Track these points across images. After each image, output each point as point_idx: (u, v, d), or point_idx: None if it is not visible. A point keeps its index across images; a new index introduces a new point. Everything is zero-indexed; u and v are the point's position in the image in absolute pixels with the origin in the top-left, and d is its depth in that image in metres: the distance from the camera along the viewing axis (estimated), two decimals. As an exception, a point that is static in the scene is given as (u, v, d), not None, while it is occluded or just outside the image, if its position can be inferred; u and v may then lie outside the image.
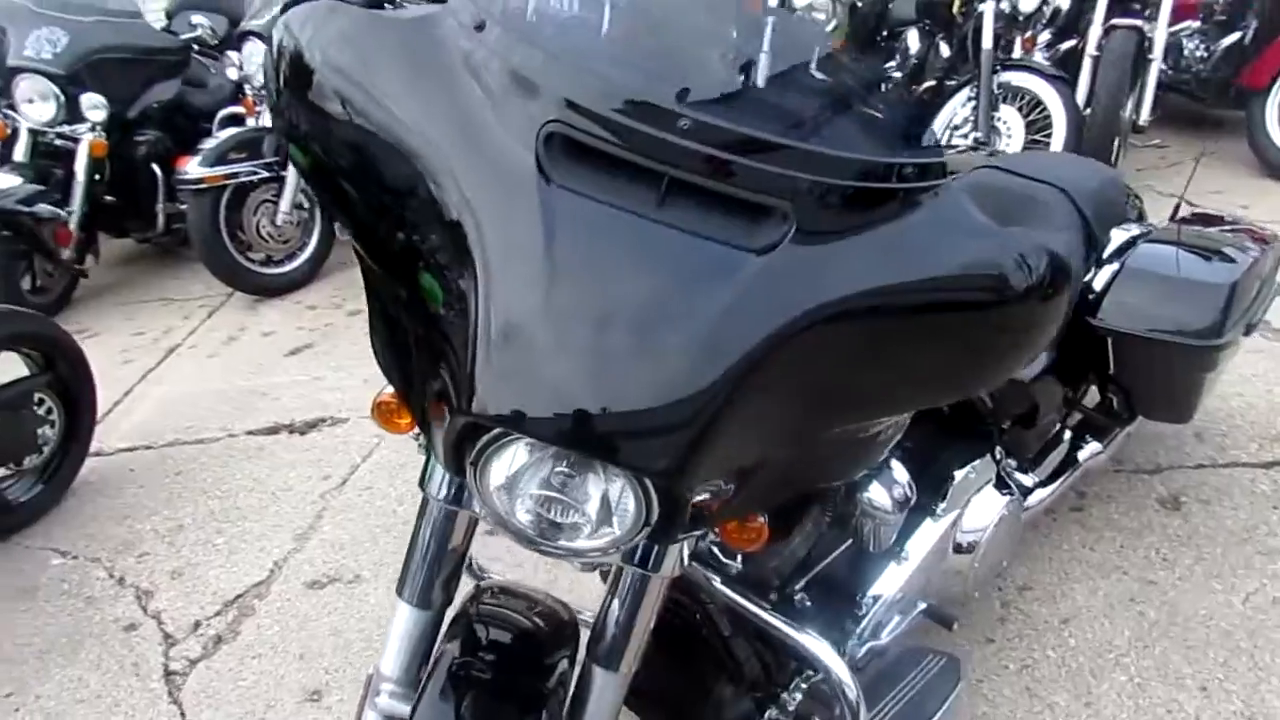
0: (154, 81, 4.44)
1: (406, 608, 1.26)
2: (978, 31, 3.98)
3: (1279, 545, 2.14)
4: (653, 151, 0.95)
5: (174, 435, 3.17)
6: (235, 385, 3.42)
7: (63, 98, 4.02)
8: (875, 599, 1.62)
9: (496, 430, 0.96)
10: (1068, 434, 2.06)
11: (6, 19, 4.08)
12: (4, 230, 3.60)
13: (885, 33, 5.09)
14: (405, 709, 1.17)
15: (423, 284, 1.04)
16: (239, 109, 4.55)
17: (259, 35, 4.21)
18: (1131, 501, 2.32)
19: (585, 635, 1.25)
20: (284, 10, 1.13)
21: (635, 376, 0.91)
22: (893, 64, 4.88)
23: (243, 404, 3.28)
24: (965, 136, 3.96)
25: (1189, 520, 2.24)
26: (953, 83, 4.22)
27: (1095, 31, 4.02)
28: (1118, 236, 1.97)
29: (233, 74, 4.57)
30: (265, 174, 4.16)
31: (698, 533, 1.20)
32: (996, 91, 3.93)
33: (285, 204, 4.22)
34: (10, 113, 4.05)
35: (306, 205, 4.34)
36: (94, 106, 4.04)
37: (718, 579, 1.36)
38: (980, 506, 1.76)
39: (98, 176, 4.17)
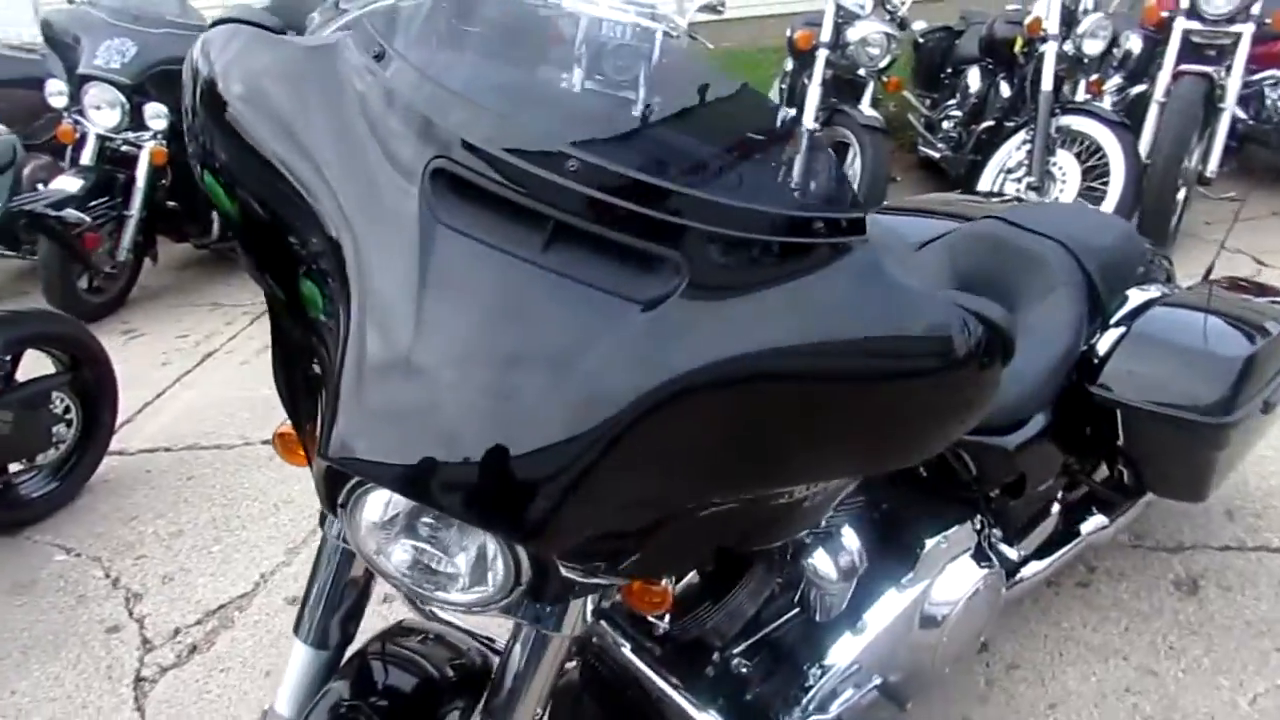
0: None
1: (302, 647, 1.24)
2: (1038, 72, 3.85)
3: (1302, 642, 1.98)
4: (539, 193, 0.89)
5: (193, 440, 3.22)
6: (260, 394, 3.46)
7: (128, 106, 4.17)
8: (825, 669, 1.53)
9: None
10: (1060, 506, 1.92)
11: (82, 28, 4.26)
12: (37, 233, 3.74)
13: (949, 70, 4.97)
14: None
15: (307, 316, 1.02)
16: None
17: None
18: (1145, 581, 2.17)
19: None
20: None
21: (493, 431, 0.85)
22: (953, 102, 4.76)
23: (265, 412, 3.32)
24: (1018, 181, 3.82)
25: (1205, 607, 2.08)
26: (1011, 124, 4.09)
27: (1164, 78, 3.85)
28: (1135, 298, 1.85)
29: None
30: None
31: (593, 593, 1.14)
32: (1054, 135, 3.78)
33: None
34: (79, 118, 4.21)
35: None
36: (156, 116, 4.17)
37: (627, 645, 1.29)
38: (953, 578, 1.65)
39: (162, 182, 4.31)
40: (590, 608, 1.17)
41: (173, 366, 3.83)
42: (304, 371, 1.06)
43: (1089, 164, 3.77)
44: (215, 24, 1.12)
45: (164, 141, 4.23)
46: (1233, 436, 1.71)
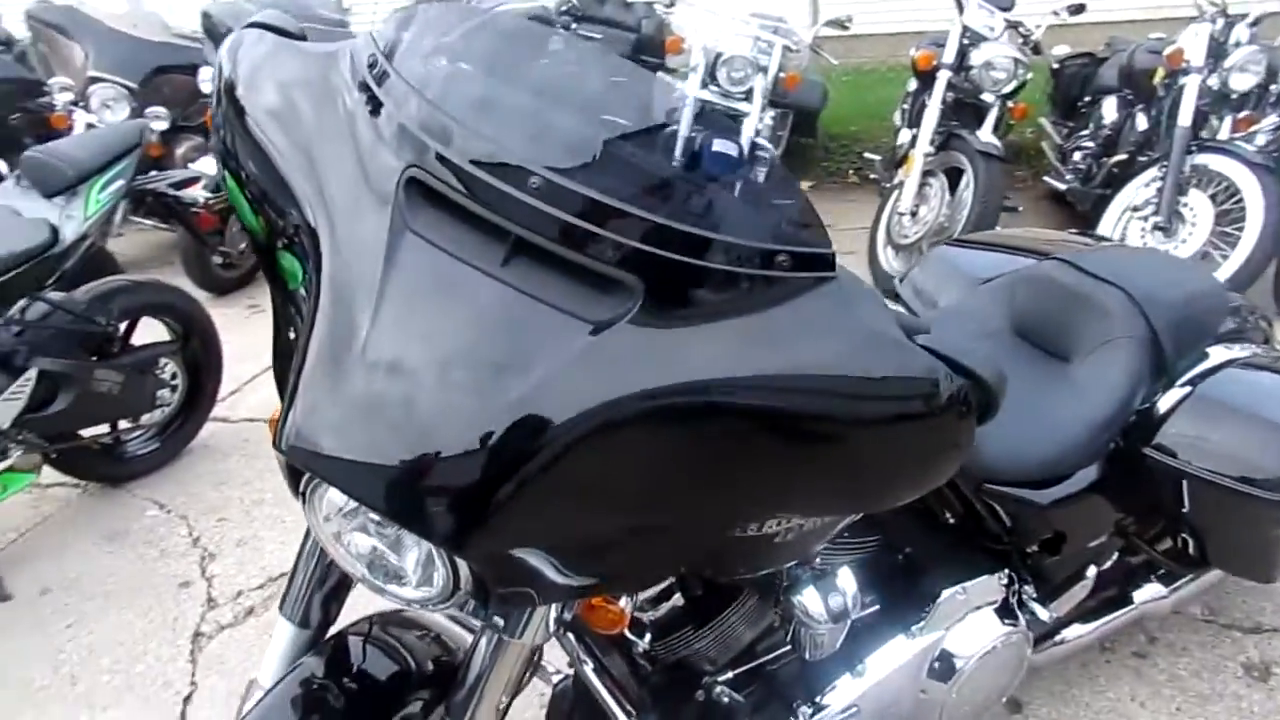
0: None
1: (286, 623, 1.29)
2: (1176, 105, 3.62)
3: (1381, 748, 1.79)
4: (501, 209, 0.91)
5: (289, 414, 3.39)
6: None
7: (134, 103, 4.64)
8: (818, 708, 1.50)
9: None
10: (1109, 569, 1.80)
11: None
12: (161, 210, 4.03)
13: (1087, 99, 4.73)
14: None
15: (291, 309, 1.07)
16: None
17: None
18: (1210, 659, 2.01)
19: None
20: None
21: (426, 436, 0.87)
22: (1086, 132, 4.52)
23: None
24: (1144, 219, 3.60)
25: (1273, 697, 1.91)
26: (1144, 159, 3.86)
27: (1320, 119, 3.56)
28: (1217, 356, 1.72)
29: None
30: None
31: (548, 605, 1.15)
32: (1188, 174, 3.55)
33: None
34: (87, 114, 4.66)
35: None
36: (157, 117, 4.56)
37: (589, 663, 1.28)
38: (970, 631, 1.59)
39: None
40: (554, 617, 1.19)
41: (285, 342, 4.04)
42: (285, 362, 1.11)
43: (1224, 207, 3.52)
44: (246, 26, 1.19)
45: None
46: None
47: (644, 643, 1.37)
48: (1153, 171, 3.65)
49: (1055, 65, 4.97)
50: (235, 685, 2.10)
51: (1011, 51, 3.94)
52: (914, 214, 3.95)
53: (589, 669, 1.28)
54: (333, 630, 1.32)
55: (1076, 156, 4.50)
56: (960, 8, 3.96)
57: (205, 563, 2.59)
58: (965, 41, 3.93)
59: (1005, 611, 1.65)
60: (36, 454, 2.62)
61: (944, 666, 1.57)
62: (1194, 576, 1.89)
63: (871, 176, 4.91)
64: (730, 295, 0.93)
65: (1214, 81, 3.65)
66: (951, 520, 1.68)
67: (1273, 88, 3.84)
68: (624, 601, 1.17)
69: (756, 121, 4.26)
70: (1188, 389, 1.63)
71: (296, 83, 1.08)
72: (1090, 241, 2.09)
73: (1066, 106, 4.94)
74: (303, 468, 0.94)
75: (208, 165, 4.28)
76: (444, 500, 0.88)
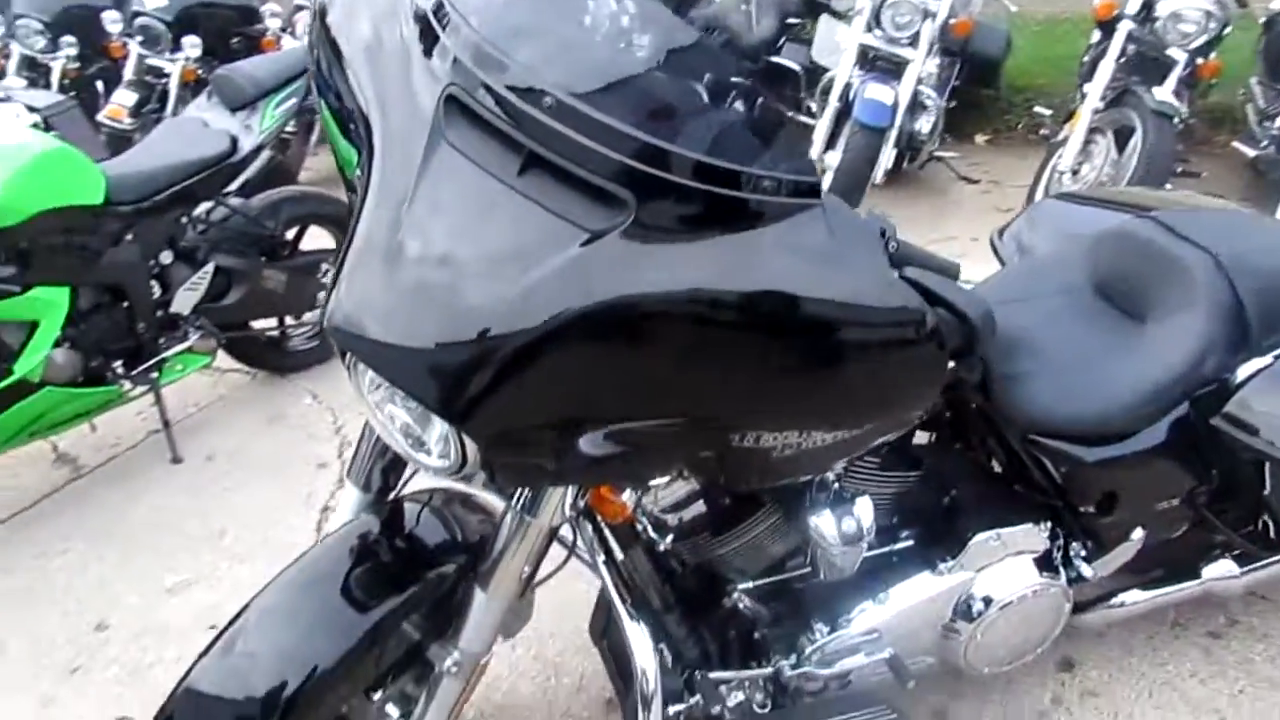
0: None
1: (351, 488, 1.48)
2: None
3: None
4: (521, 124, 1.03)
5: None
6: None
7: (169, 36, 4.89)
8: (836, 628, 1.57)
9: None
10: (1168, 537, 1.75)
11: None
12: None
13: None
14: None
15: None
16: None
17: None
18: (1291, 649, 1.93)
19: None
20: None
21: (434, 318, 1.01)
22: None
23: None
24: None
25: (1353, 694, 1.82)
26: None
27: None
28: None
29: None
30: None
31: (562, 490, 1.28)
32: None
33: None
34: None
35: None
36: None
37: (601, 555, 1.39)
38: (1002, 577, 1.61)
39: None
40: (569, 502, 1.32)
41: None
42: None
43: None
44: None
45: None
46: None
47: (665, 542, 1.48)
48: (1352, 139, 3.33)
49: (1266, 19, 4.53)
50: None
51: (1203, 2, 3.65)
52: (1075, 173, 3.76)
53: (600, 560, 1.39)
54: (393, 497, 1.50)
55: (1278, 122, 4.13)
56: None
57: (342, 449, 2.88)
58: (1155, -12, 3.67)
59: (1046, 564, 1.66)
60: (212, 340, 2.98)
61: (971, 607, 1.60)
62: (1274, 560, 1.81)
63: (1042, 132, 4.68)
64: (717, 216, 1.02)
65: None
66: (998, 468, 1.70)
67: None
68: (628, 495, 1.28)
69: (919, 69, 4.16)
70: (1270, 360, 1.56)
71: (371, 7, 1.22)
72: (1221, 206, 1.97)
73: (1276, 66, 4.50)
74: (337, 342, 1.10)
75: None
76: (446, 378, 1.01)
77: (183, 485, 2.77)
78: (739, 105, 1.14)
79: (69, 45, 5.13)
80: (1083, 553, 1.69)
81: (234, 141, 2.86)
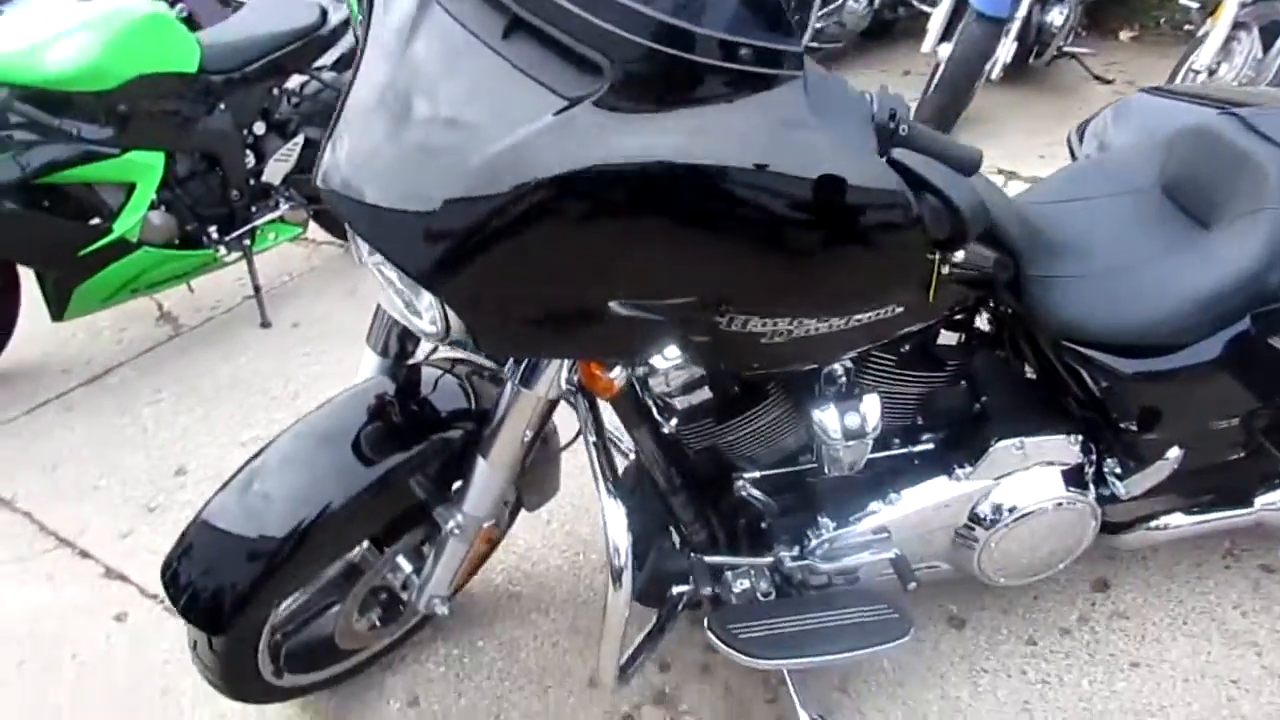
0: None
1: (370, 352, 1.54)
2: None
3: None
4: None
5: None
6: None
7: None
8: (843, 524, 1.56)
9: None
10: (1223, 460, 1.65)
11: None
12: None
13: None
14: None
15: None
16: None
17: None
18: (1352, 589, 1.81)
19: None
20: None
21: (412, 180, 1.02)
22: None
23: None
24: None
25: None
26: None
27: None
28: None
29: None
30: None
31: (556, 363, 1.30)
32: None
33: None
34: None
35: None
36: None
37: (593, 434, 1.40)
38: (1023, 486, 1.56)
39: None
40: (564, 377, 1.33)
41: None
42: None
43: None
44: None
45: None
46: None
47: (670, 425, 1.48)
48: None
49: None
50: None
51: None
52: (1212, 73, 3.44)
53: (591, 437, 1.39)
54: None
55: None
56: None
57: (417, 322, 2.98)
58: None
59: (1076, 478, 1.59)
60: (302, 211, 3.09)
61: (987, 514, 1.56)
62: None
63: (1188, 28, 4.28)
64: (694, 86, 0.98)
65: None
66: (1032, 375, 1.62)
67: None
68: (618, 372, 1.28)
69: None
70: (1345, 278, 1.42)
71: None
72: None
73: None
74: (325, 199, 1.12)
75: None
76: (421, 240, 1.02)
77: (269, 348, 2.93)
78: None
79: None
80: (1118, 470, 1.62)
81: (324, 14, 2.91)
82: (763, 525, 1.60)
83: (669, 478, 1.52)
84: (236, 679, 1.51)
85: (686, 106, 0.99)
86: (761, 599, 1.61)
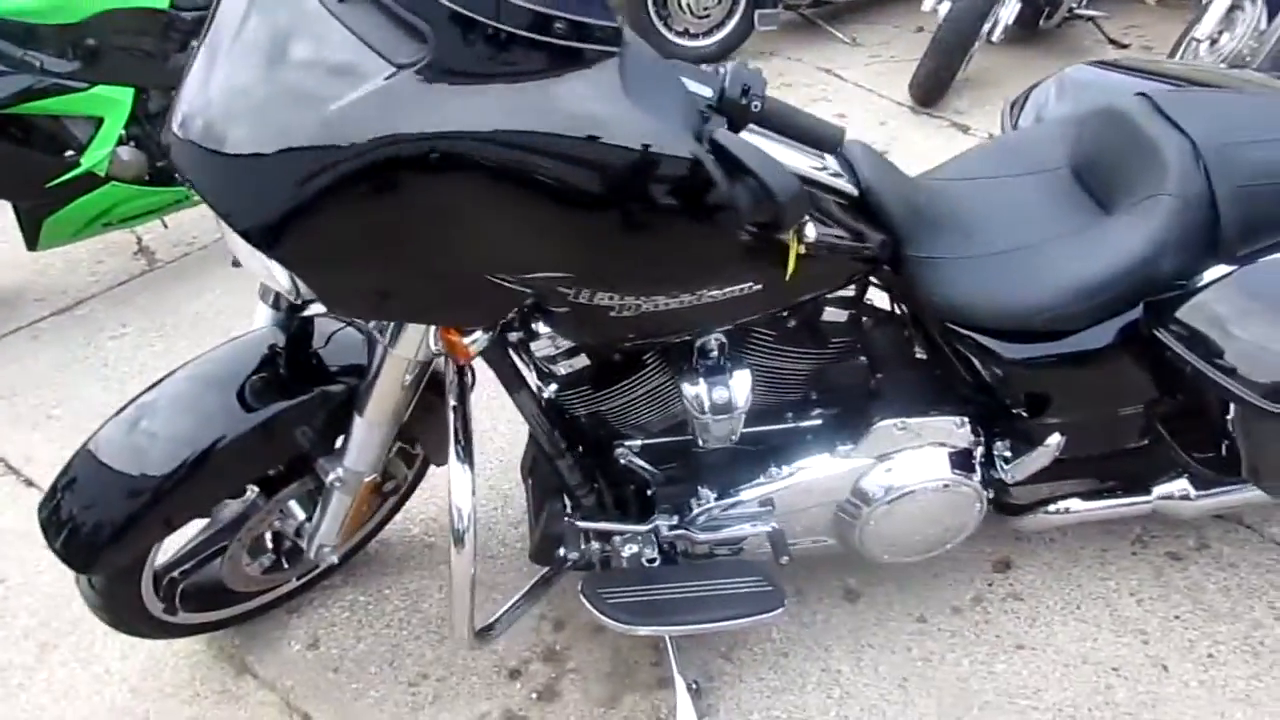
0: None
1: (262, 305, 1.56)
2: None
3: None
4: None
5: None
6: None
7: None
8: (725, 494, 1.57)
9: None
10: (1121, 448, 1.63)
11: None
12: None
13: None
14: None
15: None
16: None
17: None
18: (1253, 584, 1.79)
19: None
20: None
21: (243, 139, 1.03)
22: None
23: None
24: None
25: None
26: None
27: None
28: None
29: None
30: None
31: (423, 328, 1.31)
32: None
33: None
34: None
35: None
36: None
37: (454, 398, 1.41)
38: (904, 466, 1.56)
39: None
40: (431, 341, 1.35)
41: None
42: None
43: None
44: None
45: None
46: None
47: (550, 391, 1.50)
48: None
49: None
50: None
51: None
52: (1214, 42, 3.33)
53: (452, 401, 1.40)
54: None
55: None
56: None
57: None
58: None
59: (961, 460, 1.58)
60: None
61: (867, 491, 1.56)
62: (1236, 486, 1.66)
63: (1206, -6, 4.12)
64: (512, 60, 0.99)
65: None
66: (921, 356, 1.61)
67: None
68: (473, 338, 1.28)
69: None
70: (1231, 269, 1.39)
71: None
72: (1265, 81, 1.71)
73: None
74: (166, 154, 1.13)
75: None
76: (250, 197, 1.04)
77: (236, 287, 2.96)
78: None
79: None
80: (1007, 454, 1.61)
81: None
82: (649, 493, 1.62)
83: (553, 442, 1.53)
84: (121, 614, 1.56)
85: (503, 81, 1.00)
86: (646, 565, 1.63)
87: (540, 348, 1.43)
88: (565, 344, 1.44)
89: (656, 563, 1.63)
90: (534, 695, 1.68)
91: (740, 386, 1.41)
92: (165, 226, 3.14)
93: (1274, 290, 1.36)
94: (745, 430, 1.55)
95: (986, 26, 3.65)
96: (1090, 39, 4.41)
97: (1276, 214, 1.40)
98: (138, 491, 1.40)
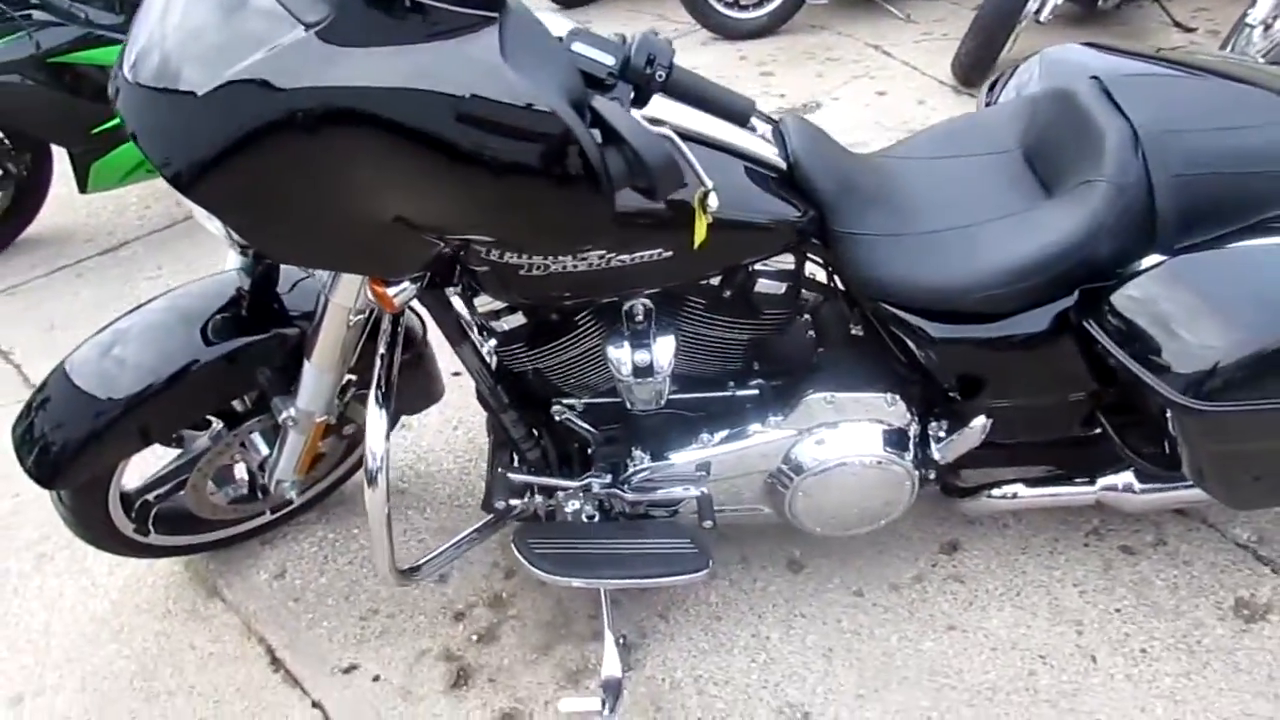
0: None
1: (230, 251, 1.65)
2: None
3: None
4: None
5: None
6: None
7: None
8: (656, 456, 1.61)
9: None
10: (1062, 435, 1.62)
11: None
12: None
13: None
14: None
15: None
16: None
17: None
18: (1203, 583, 1.75)
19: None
20: None
21: (168, 86, 1.10)
22: None
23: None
24: None
25: (1238, 640, 1.65)
26: None
27: None
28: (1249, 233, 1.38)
29: None
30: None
31: (356, 277, 1.38)
32: None
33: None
34: None
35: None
36: None
37: (390, 349, 1.48)
38: (834, 439, 1.58)
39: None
40: (365, 291, 1.42)
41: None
42: None
43: None
44: None
45: None
46: (1229, 430, 1.32)
47: (489, 345, 1.56)
48: None
49: None
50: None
51: None
52: (1268, 27, 3.18)
53: (380, 349, 1.46)
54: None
55: None
56: None
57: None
58: None
59: (895, 439, 1.59)
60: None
61: (798, 462, 1.58)
62: (1182, 483, 1.63)
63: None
64: (402, 25, 1.04)
65: None
66: (857, 332, 1.62)
67: None
68: (397, 289, 1.35)
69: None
70: (1161, 259, 1.36)
71: None
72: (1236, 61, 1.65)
73: None
74: (112, 98, 1.21)
75: None
76: (171, 144, 1.11)
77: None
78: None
79: None
80: (940, 434, 1.61)
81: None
82: (590, 451, 1.67)
83: (495, 396, 1.59)
84: (90, 530, 1.68)
85: (393, 45, 1.05)
86: (585, 521, 1.69)
87: (483, 303, 1.49)
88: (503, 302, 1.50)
89: (595, 519, 1.69)
90: (474, 637, 1.76)
91: (663, 352, 1.45)
92: (206, 176, 3.29)
93: (1200, 283, 1.33)
94: (683, 396, 1.60)
95: (1034, 5, 3.55)
96: (1153, 20, 4.25)
97: (1216, 205, 1.37)
98: (101, 412, 1.51)
